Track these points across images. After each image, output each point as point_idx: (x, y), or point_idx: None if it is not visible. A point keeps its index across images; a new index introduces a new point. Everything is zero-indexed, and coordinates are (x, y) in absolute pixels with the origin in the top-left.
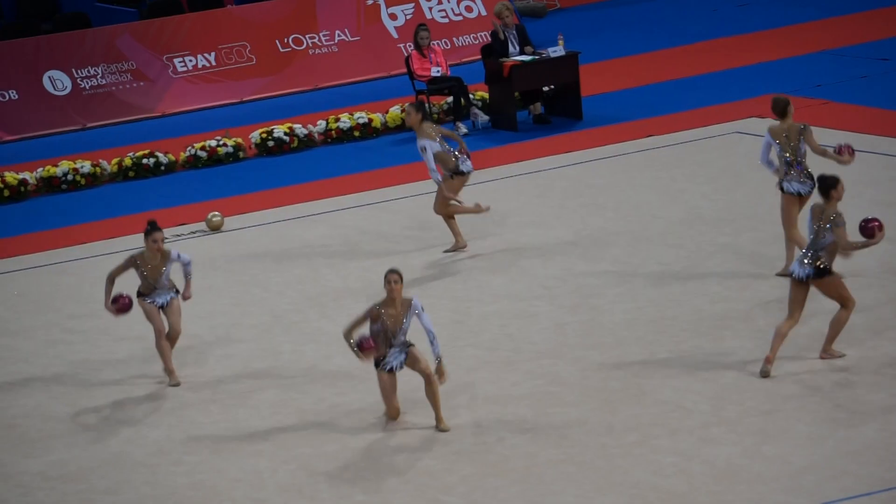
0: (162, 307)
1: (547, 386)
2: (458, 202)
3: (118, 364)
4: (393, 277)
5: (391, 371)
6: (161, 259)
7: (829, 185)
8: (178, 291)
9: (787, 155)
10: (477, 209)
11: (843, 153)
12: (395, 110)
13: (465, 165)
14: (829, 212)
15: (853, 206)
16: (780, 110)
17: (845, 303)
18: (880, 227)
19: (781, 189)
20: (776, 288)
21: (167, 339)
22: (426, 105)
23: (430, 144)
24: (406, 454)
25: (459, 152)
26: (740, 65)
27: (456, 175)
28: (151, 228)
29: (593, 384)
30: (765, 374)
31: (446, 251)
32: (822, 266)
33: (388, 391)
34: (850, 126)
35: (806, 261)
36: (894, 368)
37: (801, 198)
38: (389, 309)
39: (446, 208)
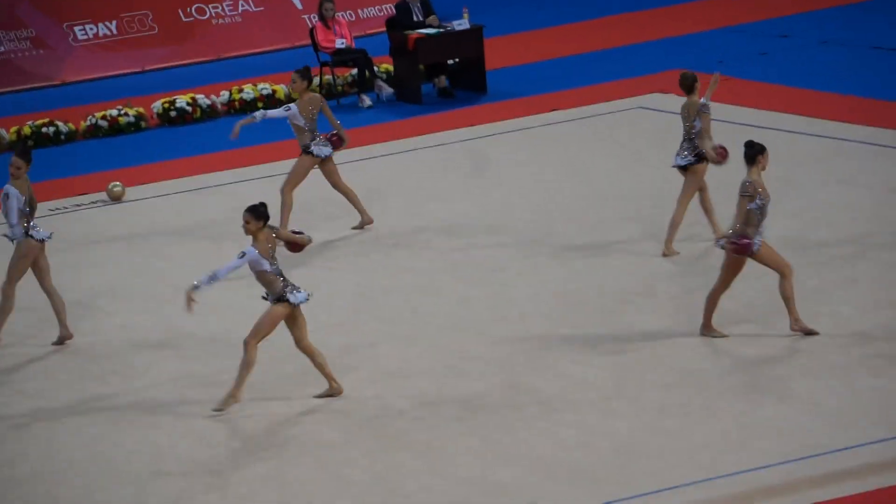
0: None
1: (450, 359)
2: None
3: (14, 334)
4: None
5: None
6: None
7: (756, 151)
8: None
9: (683, 129)
10: (285, 219)
11: (718, 155)
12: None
13: (318, 148)
14: (745, 178)
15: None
16: (688, 86)
17: (720, 282)
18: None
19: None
20: (677, 263)
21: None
22: (311, 74)
23: (295, 113)
24: (308, 427)
25: (330, 136)
26: (644, 40)
27: (305, 153)
28: (18, 150)
29: (496, 358)
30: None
31: (354, 227)
32: (732, 233)
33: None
34: (750, 102)
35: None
36: (793, 342)
37: (681, 170)
38: (260, 247)
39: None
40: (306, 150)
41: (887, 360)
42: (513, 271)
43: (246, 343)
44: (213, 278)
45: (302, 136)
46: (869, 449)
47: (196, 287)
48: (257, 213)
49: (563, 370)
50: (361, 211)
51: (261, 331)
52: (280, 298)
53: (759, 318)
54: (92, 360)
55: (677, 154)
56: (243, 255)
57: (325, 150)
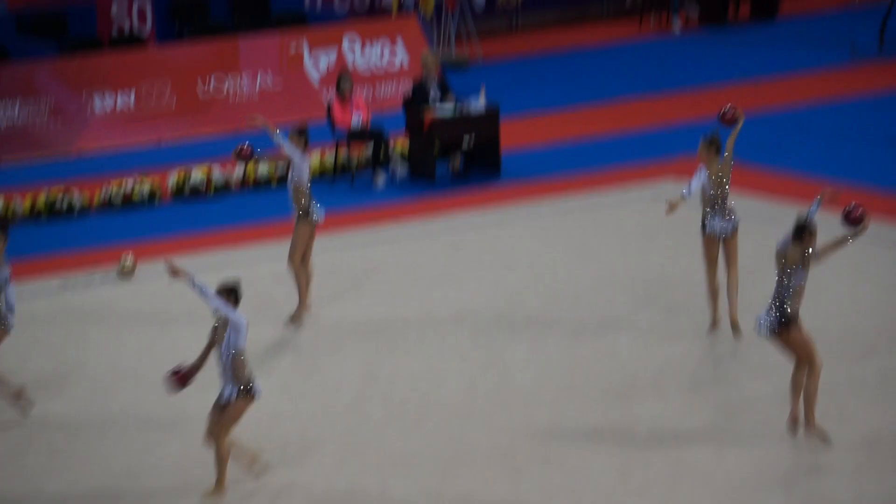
0: None
1: (455, 447)
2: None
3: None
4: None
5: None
6: None
7: (811, 231)
8: None
9: (713, 191)
10: (304, 296)
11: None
12: (313, 159)
13: (318, 213)
14: (799, 253)
15: (762, 268)
16: (718, 147)
17: (812, 361)
18: (864, 212)
19: (704, 229)
20: (687, 353)
21: None
22: (308, 133)
23: (304, 167)
24: None
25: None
26: (659, 125)
27: (302, 218)
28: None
29: (500, 447)
30: (793, 432)
31: (291, 319)
32: (789, 312)
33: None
34: (762, 188)
35: (772, 310)
36: (800, 439)
37: (718, 239)
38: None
39: (297, 259)
40: (305, 214)
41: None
42: (520, 358)
43: (216, 438)
44: (200, 288)
45: (302, 198)
46: None
47: (189, 278)
48: (228, 290)
49: (566, 462)
50: (303, 296)
51: (228, 426)
52: (247, 389)
53: (764, 413)
54: (98, 438)
55: (716, 220)
56: (236, 312)
57: (322, 215)
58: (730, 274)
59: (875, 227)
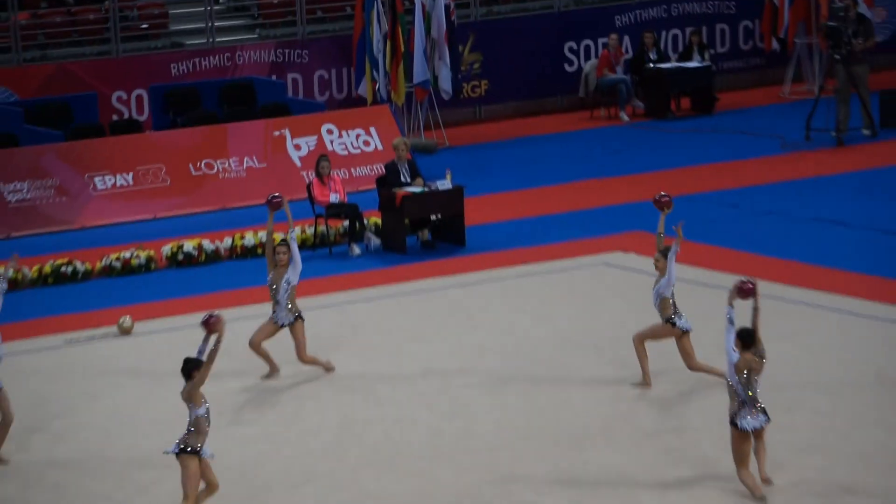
0: None
1: (424, 486)
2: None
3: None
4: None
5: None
6: None
7: (754, 334)
8: None
9: (671, 294)
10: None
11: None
12: (296, 231)
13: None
14: (756, 357)
15: (704, 332)
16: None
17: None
18: (754, 284)
19: (672, 323)
20: (635, 405)
21: None
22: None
23: (300, 269)
24: None
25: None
26: (608, 204)
27: (298, 319)
28: None
29: (465, 486)
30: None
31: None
32: (764, 407)
33: (198, 481)
34: (698, 262)
35: (754, 411)
36: (735, 486)
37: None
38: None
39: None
40: (299, 315)
41: (822, 501)
42: (482, 406)
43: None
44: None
45: (294, 298)
46: None
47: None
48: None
49: (525, 500)
50: (271, 363)
51: (190, 491)
52: (194, 449)
53: (706, 460)
54: (99, 477)
55: (682, 319)
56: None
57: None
58: (695, 366)
59: (799, 293)
